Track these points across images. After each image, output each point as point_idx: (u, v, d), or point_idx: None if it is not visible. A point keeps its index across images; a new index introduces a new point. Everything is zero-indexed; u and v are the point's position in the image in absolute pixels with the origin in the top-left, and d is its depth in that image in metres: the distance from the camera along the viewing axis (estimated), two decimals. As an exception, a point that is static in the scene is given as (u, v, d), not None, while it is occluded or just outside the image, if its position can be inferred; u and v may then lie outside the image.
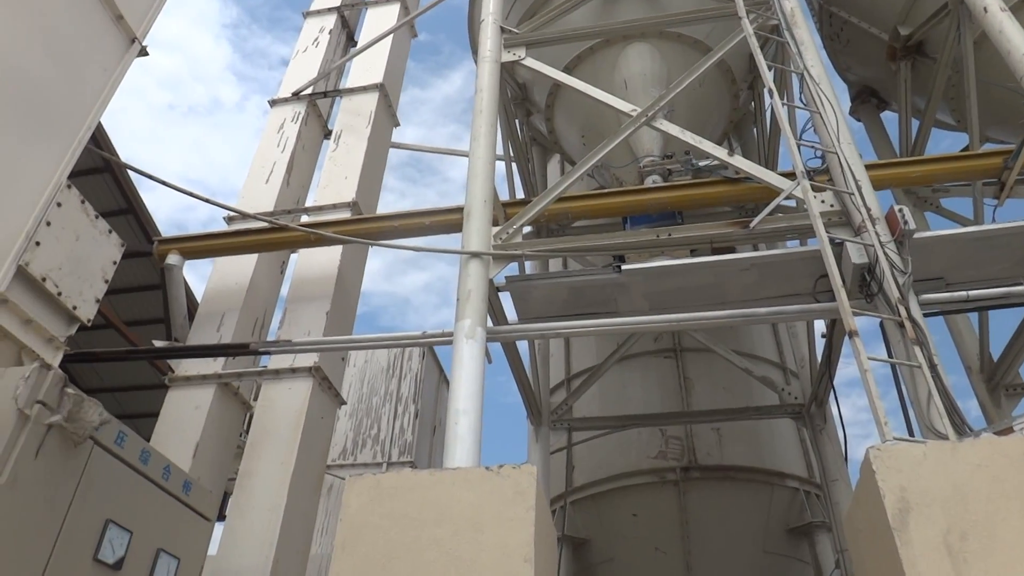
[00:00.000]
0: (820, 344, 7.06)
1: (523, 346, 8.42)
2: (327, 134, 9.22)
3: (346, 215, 7.64)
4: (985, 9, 6.17)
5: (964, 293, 5.23)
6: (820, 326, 7.07)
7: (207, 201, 6.63)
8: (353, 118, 8.73)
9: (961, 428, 3.92)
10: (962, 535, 3.22)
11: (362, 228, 7.21)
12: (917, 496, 3.35)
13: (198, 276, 42.90)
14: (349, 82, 9.26)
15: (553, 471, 8.37)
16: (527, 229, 7.41)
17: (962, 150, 7.56)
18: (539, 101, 8.84)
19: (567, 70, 7.63)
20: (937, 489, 3.34)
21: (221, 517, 6.33)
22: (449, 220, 7.16)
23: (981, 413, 7.11)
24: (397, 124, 9.51)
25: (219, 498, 6.04)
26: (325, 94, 9.13)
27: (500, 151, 9.15)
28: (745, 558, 8.12)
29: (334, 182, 8.02)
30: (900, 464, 3.42)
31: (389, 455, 11.25)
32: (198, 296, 7.75)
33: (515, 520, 3.64)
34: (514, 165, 9.51)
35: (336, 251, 7.38)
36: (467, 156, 6.16)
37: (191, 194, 6.49)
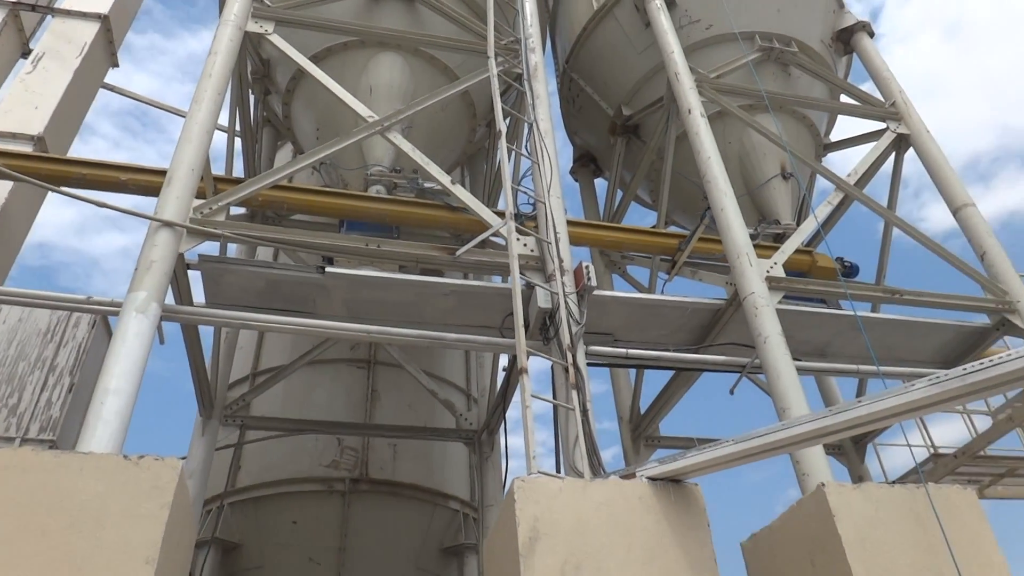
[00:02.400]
0: (502, 377, 7.49)
1: (208, 333, 7.88)
2: (25, 53, 7.94)
3: (27, 149, 6.61)
4: (689, 111, 7.10)
5: (625, 350, 5.89)
6: (505, 360, 7.52)
7: None
8: (62, 43, 7.62)
9: (597, 469, 4.36)
10: (577, 566, 3.56)
11: (42, 168, 6.31)
12: (547, 527, 3.64)
13: None
14: (67, 2, 8.08)
15: (217, 469, 7.85)
16: (238, 210, 7.02)
17: (651, 227, 8.57)
18: (280, 82, 8.44)
19: (315, 59, 7.37)
20: (565, 521, 3.66)
21: None
22: (150, 182, 6.51)
23: (623, 458, 8.02)
24: (116, 65, 8.48)
25: None
26: (34, 7, 7.87)
27: (236, 126, 8.58)
28: (397, 574, 8.26)
29: (19, 109, 6.91)
30: (538, 496, 3.70)
31: (26, 430, 9.78)
32: None
33: (145, 517, 3.32)
34: (240, 142, 8.95)
35: (5, 187, 6.34)
36: (187, 118, 5.66)
37: None
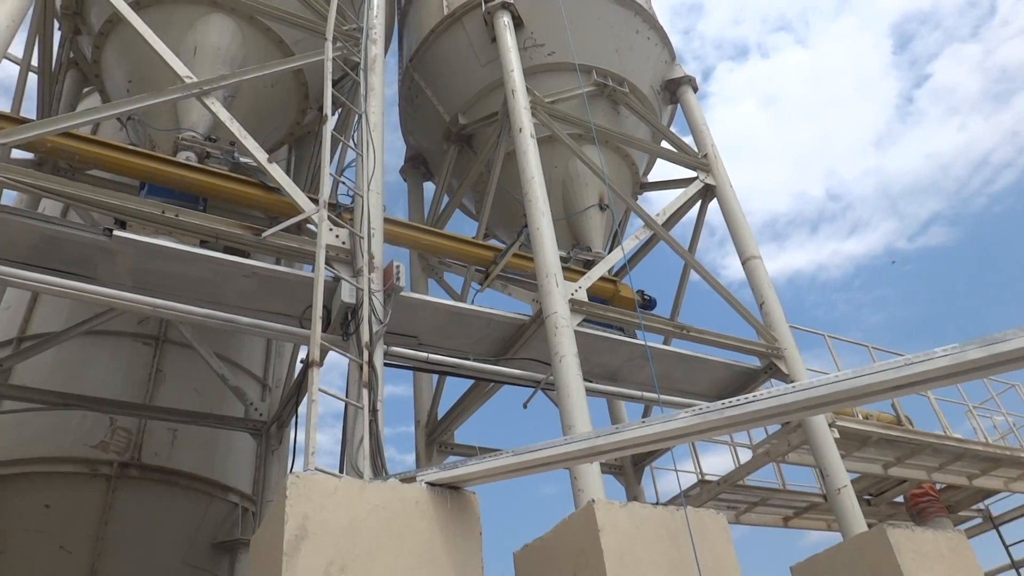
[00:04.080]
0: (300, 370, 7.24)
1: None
2: None
3: None
4: (520, 129, 7.26)
5: (427, 355, 5.89)
6: (305, 352, 7.28)
7: None
8: None
9: (380, 471, 4.30)
10: (342, 567, 3.47)
11: None
12: (317, 526, 3.52)
13: None
14: None
15: (-42, 440, 6.95)
16: (25, 155, 6.29)
17: (473, 238, 8.67)
18: (94, 23, 7.68)
19: (138, 6, 6.78)
20: (336, 521, 3.57)
21: None
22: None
23: (415, 463, 8.01)
24: None
25: None
26: None
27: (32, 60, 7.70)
28: (161, 568, 7.69)
29: None
30: (311, 493, 3.58)
31: None
32: None
33: None
34: (37, 80, 8.05)
35: None
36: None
37: None
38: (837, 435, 7.15)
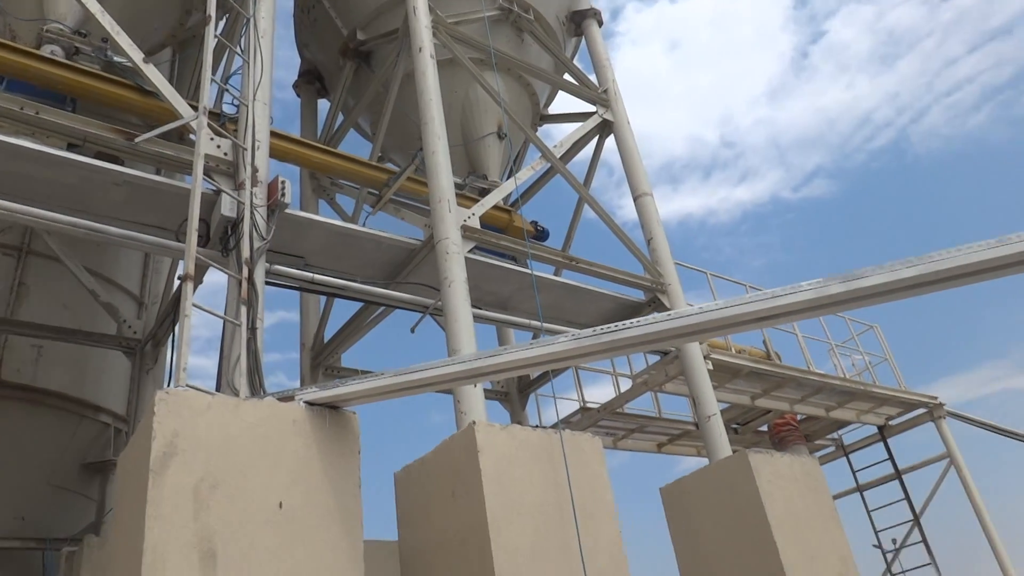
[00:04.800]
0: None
1: None
2: None
3: None
4: (420, 49, 7.03)
5: (312, 275, 5.75)
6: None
7: None
8: None
9: (258, 390, 4.21)
10: (214, 484, 3.41)
11: None
12: (187, 443, 3.43)
13: None
14: None
15: None
16: None
17: (367, 159, 8.43)
18: None
19: None
20: (209, 439, 3.48)
21: None
22: None
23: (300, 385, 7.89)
24: None
25: None
26: None
27: None
28: (25, 490, 7.35)
29: None
30: (182, 410, 3.47)
31: None
32: None
33: None
34: None
35: None
36: None
37: None
38: (711, 367, 7.53)
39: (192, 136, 5.31)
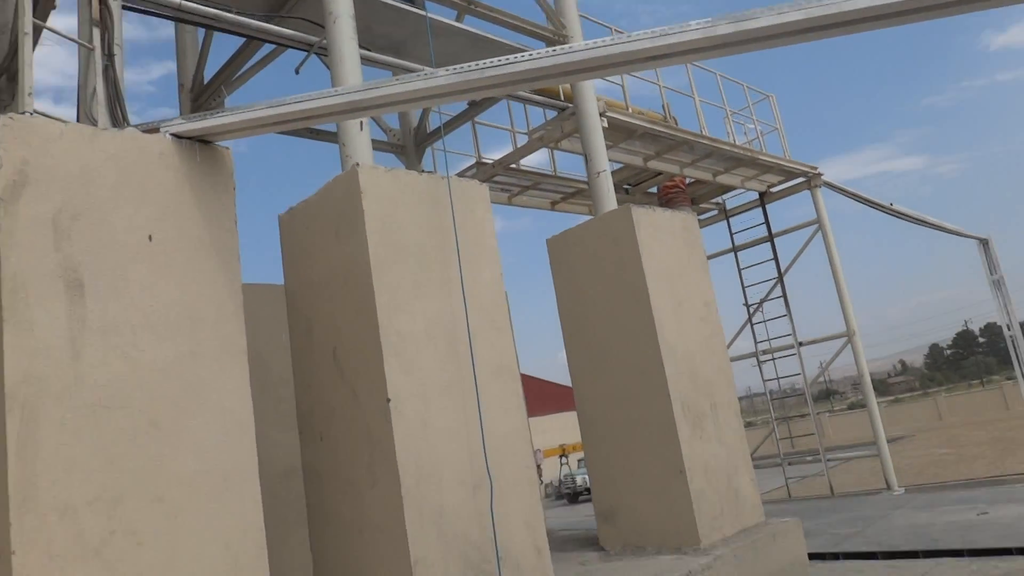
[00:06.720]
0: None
1: None
2: None
3: None
4: None
5: (181, 1, 5.19)
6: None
7: None
8: None
9: (120, 121, 3.92)
10: (74, 215, 3.25)
11: None
12: (40, 172, 3.21)
13: None
14: None
15: None
16: None
17: None
18: None
19: None
20: (63, 169, 3.26)
21: None
22: None
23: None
24: None
25: None
26: None
27: None
28: None
29: None
30: (31, 138, 3.20)
31: None
32: None
33: None
34: None
35: None
36: None
37: None
38: (606, 124, 7.53)
39: None
